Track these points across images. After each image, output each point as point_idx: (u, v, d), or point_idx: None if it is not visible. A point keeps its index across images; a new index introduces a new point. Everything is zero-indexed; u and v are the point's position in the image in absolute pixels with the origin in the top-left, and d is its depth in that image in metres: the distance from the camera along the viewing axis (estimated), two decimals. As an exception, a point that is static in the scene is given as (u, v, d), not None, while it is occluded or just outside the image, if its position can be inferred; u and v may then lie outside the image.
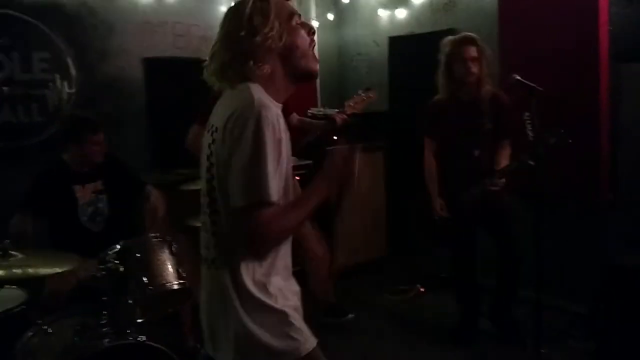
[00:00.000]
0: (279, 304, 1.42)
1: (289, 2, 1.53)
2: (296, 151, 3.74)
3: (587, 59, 3.41)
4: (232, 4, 1.50)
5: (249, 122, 1.29)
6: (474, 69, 3.03)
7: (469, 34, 3.14)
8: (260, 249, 1.40)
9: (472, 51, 3.04)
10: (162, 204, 3.05)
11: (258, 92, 1.37)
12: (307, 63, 1.48)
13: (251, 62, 1.40)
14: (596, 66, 3.39)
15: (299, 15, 1.48)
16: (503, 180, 2.99)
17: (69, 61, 3.91)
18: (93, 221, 2.91)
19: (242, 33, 1.39)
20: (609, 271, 2.89)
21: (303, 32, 1.47)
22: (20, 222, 2.77)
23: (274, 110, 1.34)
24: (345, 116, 3.29)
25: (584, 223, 3.46)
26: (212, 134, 1.43)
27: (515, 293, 3.22)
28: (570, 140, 2.70)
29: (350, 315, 3.60)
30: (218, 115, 1.44)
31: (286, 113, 3.66)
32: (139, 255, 2.32)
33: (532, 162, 2.61)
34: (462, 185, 3.09)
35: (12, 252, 2.07)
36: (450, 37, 3.17)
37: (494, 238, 3.22)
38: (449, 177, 3.21)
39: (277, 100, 1.44)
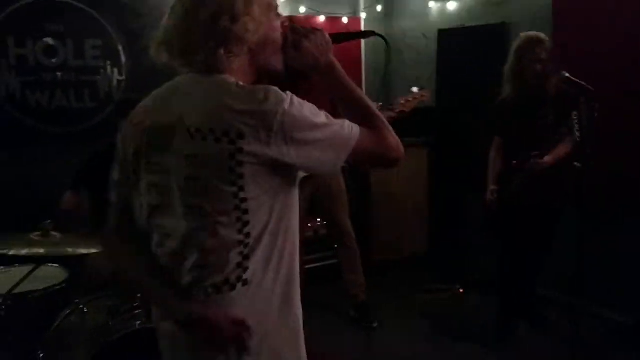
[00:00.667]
0: None
1: None
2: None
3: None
4: None
5: (278, 114, 1.15)
6: (544, 69, 2.98)
7: (541, 34, 3.08)
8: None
9: (544, 53, 3.00)
10: None
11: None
12: (277, 62, 1.33)
13: (221, 51, 1.21)
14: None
15: (277, 5, 1.34)
16: (545, 161, 2.95)
17: (120, 49, 4.02)
18: None
19: (222, 17, 1.20)
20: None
21: (279, 25, 1.32)
22: (69, 200, 2.85)
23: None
24: (392, 115, 3.24)
25: (631, 230, 3.30)
26: (189, 134, 1.17)
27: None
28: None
29: (374, 324, 3.55)
30: (194, 111, 1.19)
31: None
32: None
33: (578, 164, 2.50)
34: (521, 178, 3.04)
35: (53, 233, 2.16)
36: (524, 35, 3.11)
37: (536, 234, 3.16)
38: (509, 171, 3.15)
39: None
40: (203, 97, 1.21)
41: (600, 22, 3.41)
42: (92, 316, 2.22)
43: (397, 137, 1.32)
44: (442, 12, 4.70)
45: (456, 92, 4.51)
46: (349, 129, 1.24)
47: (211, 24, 1.21)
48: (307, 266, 3.90)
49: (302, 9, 4.75)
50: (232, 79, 1.21)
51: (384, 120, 1.33)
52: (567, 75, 2.56)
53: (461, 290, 4.03)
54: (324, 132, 1.20)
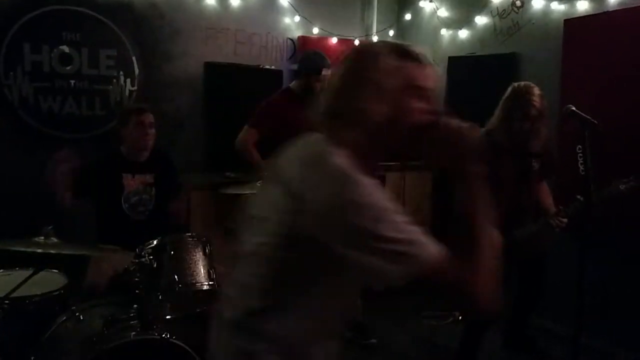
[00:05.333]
0: None
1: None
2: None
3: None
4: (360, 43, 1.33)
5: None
6: (531, 126, 2.86)
7: (531, 88, 2.88)
8: None
9: (533, 109, 2.83)
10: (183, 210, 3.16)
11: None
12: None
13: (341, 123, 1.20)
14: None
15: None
16: (566, 220, 2.91)
17: (134, 60, 4.08)
18: (134, 210, 3.01)
19: (365, 90, 1.18)
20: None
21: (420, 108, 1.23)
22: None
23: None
24: None
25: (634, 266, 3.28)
26: None
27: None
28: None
29: (372, 340, 3.53)
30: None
31: None
32: (172, 252, 2.36)
33: (580, 198, 2.49)
34: (510, 223, 2.99)
35: (54, 238, 2.17)
36: (513, 88, 2.93)
37: (528, 277, 3.24)
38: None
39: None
40: None
41: (611, 54, 3.42)
42: (87, 324, 2.22)
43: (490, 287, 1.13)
44: (454, 39, 4.75)
45: (464, 118, 4.52)
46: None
47: (352, 94, 1.21)
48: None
49: (315, 30, 4.81)
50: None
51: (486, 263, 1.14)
52: (573, 108, 2.56)
53: (460, 317, 4.00)
54: None
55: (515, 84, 2.94)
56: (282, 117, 3.42)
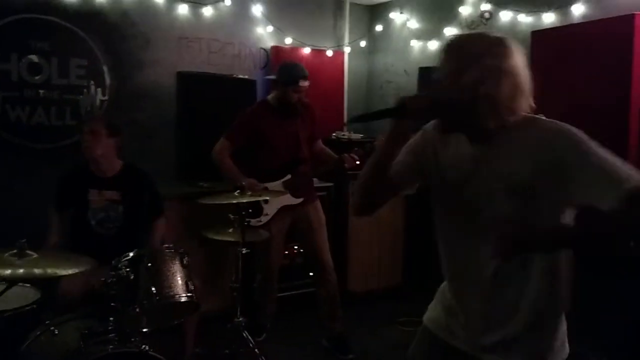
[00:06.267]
0: None
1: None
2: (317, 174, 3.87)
3: (619, 115, 3.34)
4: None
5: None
6: None
7: None
8: None
9: None
10: (161, 236, 3.15)
11: None
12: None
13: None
14: (626, 122, 3.32)
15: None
16: None
17: (105, 69, 4.03)
18: (101, 226, 2.98)
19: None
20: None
21: None
22: (49, 218, 2.96)
23: None
24: (357, 161, 3.43)
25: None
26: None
27: None
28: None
29: (350, 356, 3.52)
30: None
31: (314, 137, 3.78)
32: (150, 264, 2.34)
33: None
34: None
35: (28, 252, 2.12)
36: None
37: None
38: None
39: None
40: None
41: (576, 64, 3.53)
42: (63, 338, 2.18)
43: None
44: (424, 50, 4.84)
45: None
46: None
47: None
48: (280, 294, 3.90)
49: (288, 40, 4.83)
50: None
51: None
52: (544, 119, 2.64)
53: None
54: None
55: None
56: (257, 129, 3.44)
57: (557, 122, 1.50)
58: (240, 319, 3.16)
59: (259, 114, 3.50)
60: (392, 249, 4.66)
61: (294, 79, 3.40)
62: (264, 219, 3.48)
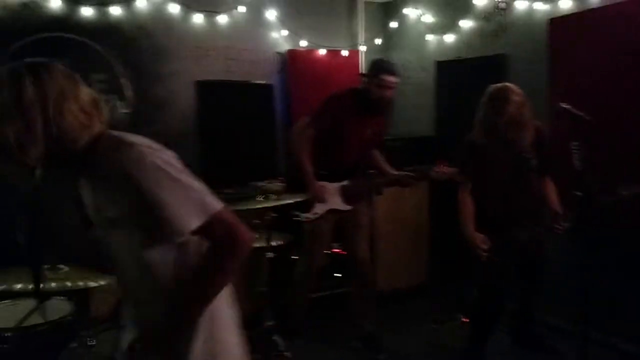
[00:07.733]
0: None
1: None
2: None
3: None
4: None
5: None
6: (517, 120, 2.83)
7: (509, 88, 2.87)
8: None
9: (513, 106, 2.79)
10: None
11: None
12: None
13: None
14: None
15: None
16: (567, 224, 2.95)
17: (125, 82, 4.09)
18: None
19: None
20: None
21: None
22: None
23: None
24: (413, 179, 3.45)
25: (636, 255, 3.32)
26: None
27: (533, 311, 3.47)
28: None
29: (382, 356, 3.48)
30: None
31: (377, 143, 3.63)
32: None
33: (579, 193, 2.52)
34: (510, 224, 3.01)
35: (60, 266, 2.17)
36: (490, 90, 2.90)
37: (527, 274, 3.32)
38: (492, 217, 3.05)
39: None
40: None
41: (596, 50, 3.48)
42: (98, 349, 2.22)
43: None
44: (440, 44, 4.81)
45: (455, 122, 4.56)
46: None
47: None
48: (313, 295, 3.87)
49: (304, 43, 4.84)
50: None
51: None
52: (565, 106, 2.60)
53: (465, 320, 4.01)
54: None
55: (492, 87, 2.93)
56: (338, 117, 3.34)
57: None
58: (271, 323, 3.18)
59: (344, 102, 3.37)
60: (416, 248, 4.63)
61: (377, 71, 3.27)
62: (312, 217, 3.45)
